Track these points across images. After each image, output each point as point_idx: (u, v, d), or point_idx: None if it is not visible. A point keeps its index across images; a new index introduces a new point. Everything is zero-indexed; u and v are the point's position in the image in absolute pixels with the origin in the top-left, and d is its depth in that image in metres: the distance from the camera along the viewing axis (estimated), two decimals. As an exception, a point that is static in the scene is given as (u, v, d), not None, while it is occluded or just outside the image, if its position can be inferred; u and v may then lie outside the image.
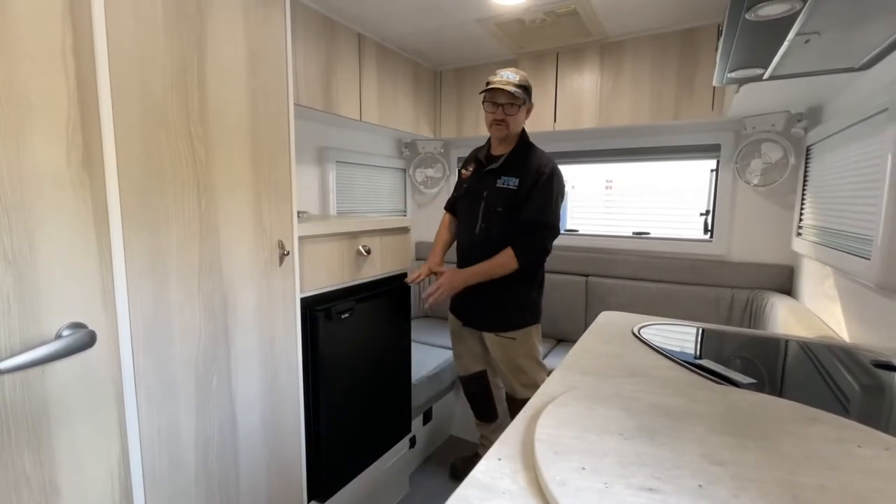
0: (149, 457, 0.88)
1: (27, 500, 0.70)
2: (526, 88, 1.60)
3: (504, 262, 1.56)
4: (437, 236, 1.91)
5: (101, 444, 0.79)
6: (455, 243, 1.83)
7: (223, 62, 0.96)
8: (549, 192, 1.58)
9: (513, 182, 1.62)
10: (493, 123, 1.63)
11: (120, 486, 0.83)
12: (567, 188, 2.81)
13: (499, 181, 1.64)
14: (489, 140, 1.75)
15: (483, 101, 1.65)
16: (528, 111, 1.67)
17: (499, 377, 1.84)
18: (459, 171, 1.86)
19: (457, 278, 1.58)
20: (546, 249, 1.61)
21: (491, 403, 1.88)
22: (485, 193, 1.66)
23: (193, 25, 0.90)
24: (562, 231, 1.76)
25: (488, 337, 1.70)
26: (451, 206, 1.91)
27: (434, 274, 1.76)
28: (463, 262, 1.72)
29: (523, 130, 1.69)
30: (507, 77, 1.58)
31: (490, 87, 1.59)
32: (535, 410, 0.68)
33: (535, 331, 1.70)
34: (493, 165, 1.67)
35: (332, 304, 1.34)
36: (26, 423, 0.69)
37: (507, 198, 1.61)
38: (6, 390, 0.67)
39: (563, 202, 1.68)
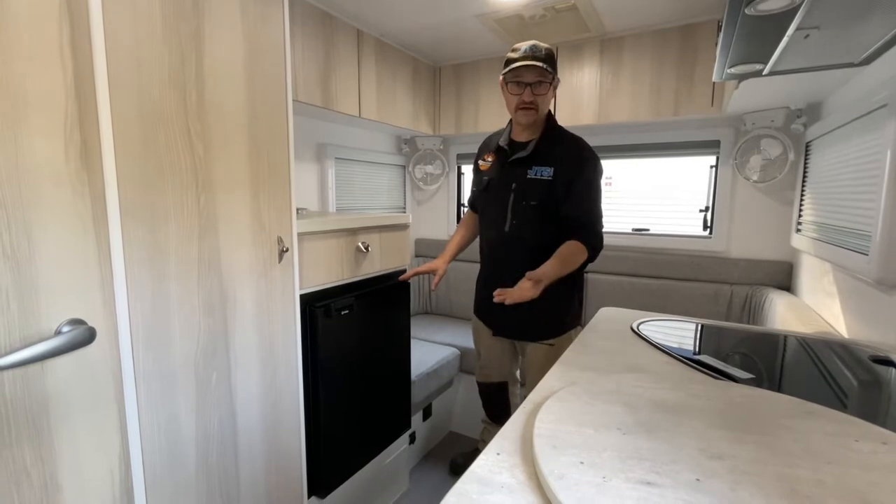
0: (149, 453, 0.88)
1: (28, 496, 0.70)
2: (553, 61, 1.41)
3: (575, 252, 1.39)
4: (454, 235, 1.75)
5: (102, 439, 0.80)
6: (478, 242, 1.67)
7: (221, 58, 0.96)
8: (594, 184, 1.45)
9: (547, 172, 1.43)
10: (521, 107, 1.42)
11: (120, 481, 0.83)
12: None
13: (530, 172, 1.45)
14: (509, 124, 1.56)
15: (505, 83, 1.44)
16: (556, 88, 1.47)
17: (517, 386, 1.76)
18: (476, 163, 1.67)
19: (538, 286, 1.34)
20: (601, 238, 1.47)
21: (505, 410, 1.75)
22: (513, 186, 1.47)
23: (191, 21, 0.90)
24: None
25: (525, 345, 1.58)
26: (471, 203, 1.73)
27: (431, 273, 1.62)
28: (488, 262, 1.59)
29: (550, 112, 1.52)
30: (532, 50, 1.38)
31: (515, 64, 1.38)
32: (534, 405, 0.68)
33: (575, 334, 1.43)
34: (522, 154, 1.47)
35: (332, 300, 1.34)
36: (26, 420, 0.69)
37: (542, 190, 1.43)
38: (6, 387, 0.67)
39: None
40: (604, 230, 1.50)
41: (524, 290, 1.33)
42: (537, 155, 1.46)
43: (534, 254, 1.43)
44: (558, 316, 1.52)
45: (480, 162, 1.63)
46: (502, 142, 1.54)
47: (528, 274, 1.35)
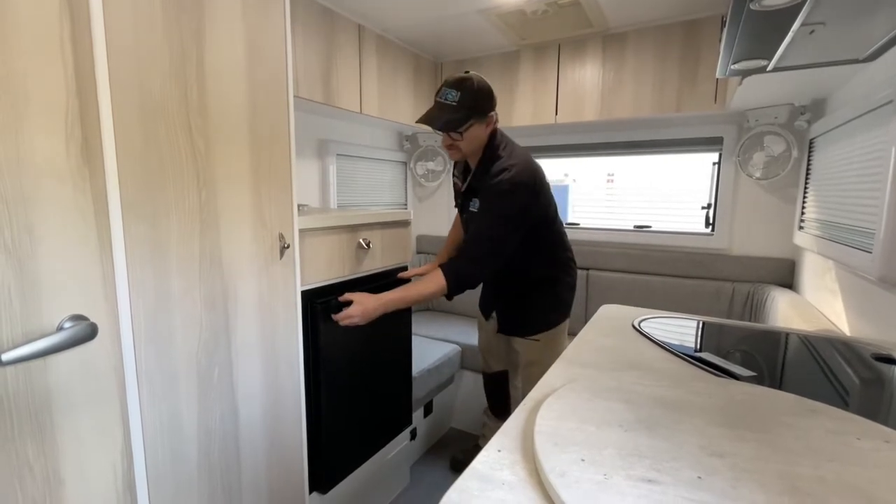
0: (151, 447, 0.89)
1: (30, 490, 0.70)
2: (468, 106, 1.35)
3: (432, 290, 1.36)
4: (449, 234, 1.83)
5: (104, 434, 0.80)
6: None
7: (222, 53, 0.95)
8: (497, 206, 1.36)
9: (475, 205, 1.44)
10: (446, 149, 1.46)
11: (123, 476, 0.83)
12: (567, 180, 2.78)
13: (470, 204, 1.47)
14: None
15: None
16: (490, 122, 1.42)
17: (518, 378, 1.82)
18: (453, 179, 1.70)
19: (369, 305, 1.31)
20: (483, 269, 1.40)
21: (506, 403, 1.86)
22: (464, 216, 1.54)
23: (192, 16, 0.89)
24: (564, 223, 1.71)
25: (515, 340, 1.67)
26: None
27: None
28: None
29: (491, 138, 1.45)
30: (444, 98, 1.36)
31: (421, 122, 1.39)
32: (534, 402, 0.68)
33: (562, 328, 1.62)
34: (464, 187, 1.52)
35: (333, 297, 1.34)
36: (29, 415, 0.70)
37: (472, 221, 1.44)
38: (8, 382, 0.67)
39: (543, 204, 1.46)
40: (488, 263, 1.40)
41: (353, 314, 1.29)
42: (472, 188, 1.49)
43: (496, 272, 1.46)
44: (544, 314, 1.60)
45: (454, 178, 1.67)
46: (457, 172, 1.61)
47: (362, 295, 1.32)
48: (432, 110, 1.40)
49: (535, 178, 1.42)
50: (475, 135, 1.41)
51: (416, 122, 1.43)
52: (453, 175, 1.68)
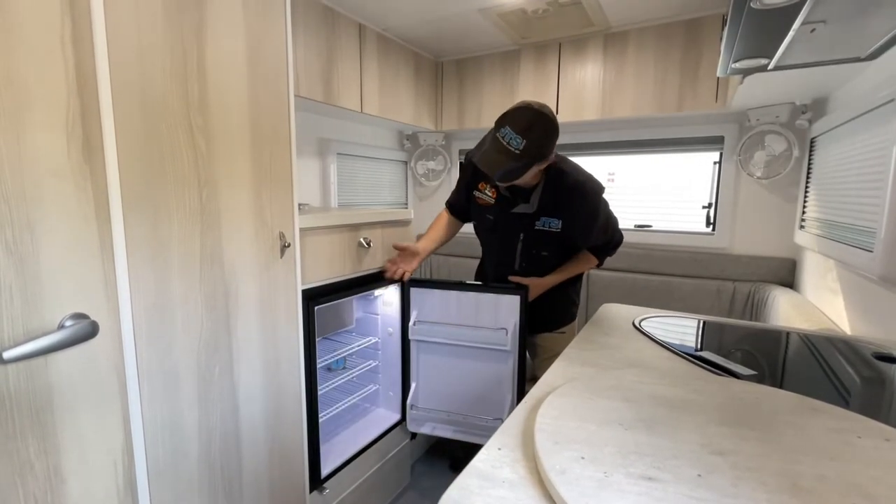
0: (152, 446, 0.89)
1: (32, 488, 0.71)
2: (533, 155, 1.22)
3: (584, 266, 1.57)
4: (432, 228, 1.69)
5: (105, 432, 0.80)
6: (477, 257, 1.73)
7: (223, 52, 0.95)
8: (603, 216, 1.47)
9: (555, 224, 1.42)
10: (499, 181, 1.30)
11: (124, 474, 0.83)
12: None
13: (537, 223, 1.43)
14: None
15: None
16: (549, 160, 1.32)
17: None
18: (469, 183, 1.55)
19: (539, 284, 1.50)
20: (612, 252, 1.61)
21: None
22: (521, 236, 1.47)
23: (193, 15, 0.89)
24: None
25: (542, 336, 1.63)
26: (454, 209, 1.67)
27: (409, 254, 1.55)
28: (487, 278, 1.65)
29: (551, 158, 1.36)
30: (507, 142, 1.20)
31: (480, 167, 1.26)
32: (535, 401, 0.68)
33: (576, 322, 1.69)
34: (526, 209, 1.43)
35: (334, 295, 1.34)
36: (30, 413, 0.70)
37: (552, 240, 1.45)
38: (10, 380, 0.67)
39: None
40: (619, 227, 1.58)
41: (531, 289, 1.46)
42: (543, 208, 1.41)
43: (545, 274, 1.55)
44: (568, 306, 1.64)
45: (477, 193, 1.52)
46: (503, 189, 1.45)
47: (532, 280, 1.49)
48: (494, 154, 1.24)
49: (597, 184, 1.49)
50: (533, 174, 1.33)
51: (481, 167, 1.26)
52: (476, 191, 1.54)
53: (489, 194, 1.51)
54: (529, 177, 1.33)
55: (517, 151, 1.21)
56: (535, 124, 1.22)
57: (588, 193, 1.40)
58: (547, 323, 1.62)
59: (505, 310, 1.48)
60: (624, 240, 1.63)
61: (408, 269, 1.56)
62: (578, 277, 1.65)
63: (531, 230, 1.45)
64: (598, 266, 1.60)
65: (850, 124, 1.38)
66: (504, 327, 1.48)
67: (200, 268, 0.95)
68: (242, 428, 1.07)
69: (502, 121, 1.25)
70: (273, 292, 1.12)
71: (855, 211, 1.27)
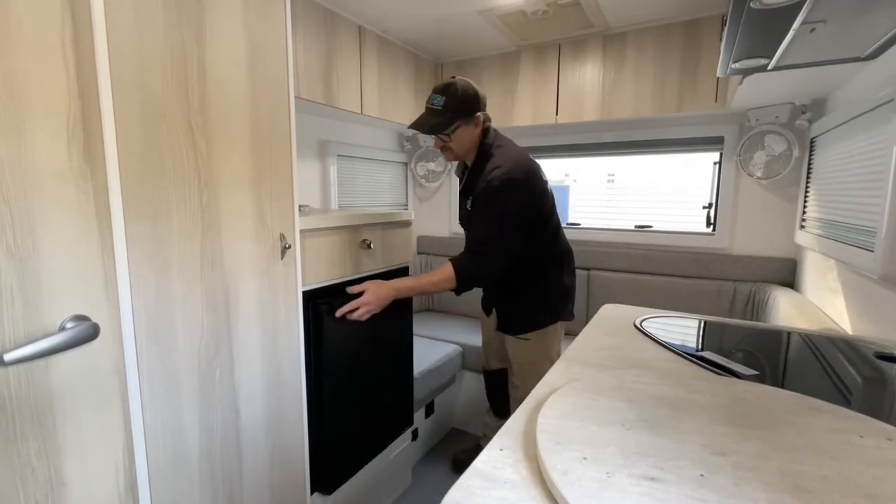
0: (153, 448, 0.89)
1: (32, 490, 0.71)
2: (453, 109, 1.41)
3: (440, 279, 1.40)
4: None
5: (106, 435, 0.80)
6: None
7: (223, 54, 0.95)
8: (491, 205, 1.39)
9: (469, 202, 1.49)
10: (440, 150, 1.53)
11: (125, 476, 0.83)
12: (567, 180, 2.78)
13: (467, 203, 1.51)
14: None
15: None
16: (478, 123, 1.46)
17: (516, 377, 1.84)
18: None
19: (381, 290, 1.35)
20: (489, 268, 1.42)
21: (506, 402, 1.86)
22: (466, 219, 1.57)
23: (193, 17, 0.89)
24: (563, 224, 1.71)
25: (506, 339, 1.67)
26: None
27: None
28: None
29: (484, 136, 1.50)
30: (431, 103, 1.44)
31: (412, 127, 1.48)
32: (536, 401, 0.68)
33: (554, 331, 1.61)
34: (461, 186, 1.58)
35: (334, 297, 1.34)
36: (31, 415, 0.70)
37: (469, 220, 1.50)
38: (11, 382, 0.67)
39: (538, 202, 1.46)
40: (493, 263, 1.42)
41: (363, 303, 1.32)
42: (468, 186, 1.52)
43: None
44: (533, 314, 1.59)
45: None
46: (456, 171, 1.66)
47: (374, 282, 1.37)
48: (422, 116, 1.48)
49: (528, 174, 1.43)
50: (464, 136, 1.47)
51: (408, 126, 1.53)
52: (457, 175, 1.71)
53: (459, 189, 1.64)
54: (463, 142, 1.48)
55: (438, 108, 1.43)
56: (452, 84, 1.44)
57: (493, 179, 1.38)
58: (510, 325, 1.63)
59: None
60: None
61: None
62: (543, 284, 1.57)
63: (465, 209, 1.54)
64: (459, 288, 1.41)
65: (849, 124, 1.39)
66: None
67: (201, 269, 0.95)
68: (243, 429, 1.07)
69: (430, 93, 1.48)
70: (273, 294, 1.12)
71: (855, 211, 1.27)
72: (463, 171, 1.60)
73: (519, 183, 1.40)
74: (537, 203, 1.48)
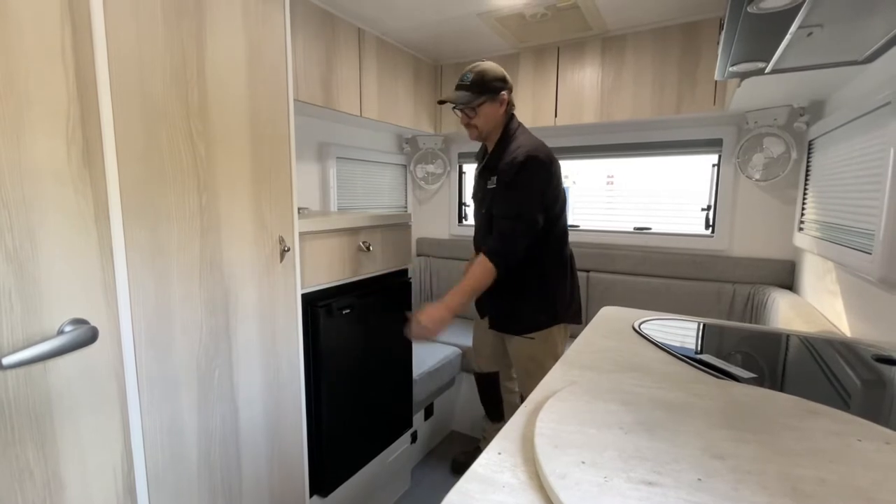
0: (152, 450, 0.88)
1: (30, 494, 0.70)
2: (480, 84, 1.49)
3: (481, 271, 1.42)
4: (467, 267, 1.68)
5: (105, 438, 0.80)
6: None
7: (222, 57, 0.96)
8: (517, 181, 1.43)
9: (494, 181, 1.51)
10: (465, 127, 1.57)
11: (123, 479, 0.83)
12: (567, 182, 2.78)
13: (489, 182, 1.54)
14: None
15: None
16: (503, 102, 1.53)
17: (513, 381, 1.82)
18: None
19: (436, 313, 1.38)
20: (517, 244, 1.43)
21: (499, 405, 1.85)
22: (481, 196, 1.60)
23: (192, 21, 0.90)
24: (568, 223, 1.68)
25: (508, 338, 1.66)
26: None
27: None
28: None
29: (509, 121, 1.56)
30: (461, 80, 1.52)
31: (443, 100, 1.57)
32: (535, 405, 0.68)
33: (558, 331, 1.59)
34: (481, 165, 1.61)
35: (333, 299, 1.34)
36: (29, 418, 0.70)
37: (492, 199, 1.51)
38: (9, 386, 0.67)
39: (553, 191, 1.50)
40: (520, 240, 1.43)
41: (424, 330, 1.38)
42: (491, 165, 1.55)
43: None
44: (534, 314, 1.58)
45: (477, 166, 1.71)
46: (476, 155, 1.70)
47: (429, 306, 1.41)
48: (451, 92, 1.55)
49: (550, 159, 1.49)
50: (489, 113, 1.52)
51: (437, 102, 1.67)
52: (477, 163, 1.72)
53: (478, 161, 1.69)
54: (488, 119, 1.53)
55: (467, 83, 1.50)
56: (482, 64, 1.54)
57: (518, 151, 1.46)
58: (509, 324, 1.63)
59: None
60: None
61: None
62: (543, 284, 1.56)
63: (486, 190, 1.56)
64: (500, 274, 1.43)
65: (847, 127, 1.39)
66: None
67: (200, 272, 0.95)
68: (242, 432, 1.07)
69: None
70: (273, 296, 1.12)
71: (853, 213, 1.28)
72: (483, 155, 1.65)
73: (542, 163, 1.46)
74: (556, 190, 1.52)
